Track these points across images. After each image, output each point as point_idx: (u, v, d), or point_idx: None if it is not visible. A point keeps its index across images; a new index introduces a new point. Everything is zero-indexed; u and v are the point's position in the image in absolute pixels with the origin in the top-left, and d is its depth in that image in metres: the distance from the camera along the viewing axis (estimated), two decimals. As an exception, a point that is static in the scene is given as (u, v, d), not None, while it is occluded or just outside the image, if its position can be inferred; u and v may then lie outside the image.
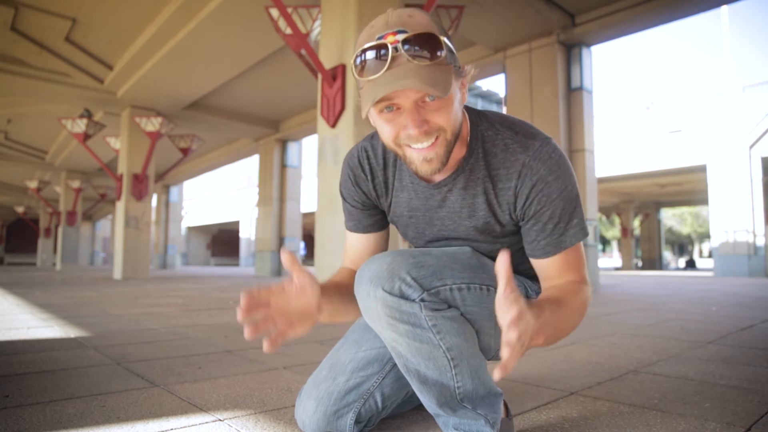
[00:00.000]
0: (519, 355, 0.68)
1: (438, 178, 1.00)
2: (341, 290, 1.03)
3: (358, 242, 1.15)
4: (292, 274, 0.85)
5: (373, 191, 1.09)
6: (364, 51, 0.83)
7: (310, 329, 0.87)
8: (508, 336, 0.66)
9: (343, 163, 1.12)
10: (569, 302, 0.89)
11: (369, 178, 1.08)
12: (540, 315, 0.75)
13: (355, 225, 1.14)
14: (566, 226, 0.94)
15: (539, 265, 0.99)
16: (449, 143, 0.88)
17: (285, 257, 0.82)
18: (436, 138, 0.87)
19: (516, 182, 0.95)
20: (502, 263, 0.69)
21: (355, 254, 1.15)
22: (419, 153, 0.87)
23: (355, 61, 0.84)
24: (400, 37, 0.81)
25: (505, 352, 0.66)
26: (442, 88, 0.81)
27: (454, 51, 0.88)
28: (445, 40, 0.83)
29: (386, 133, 0.89)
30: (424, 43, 0.81)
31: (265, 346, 0.78)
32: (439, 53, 0.82)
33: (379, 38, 0.82)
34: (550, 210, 0.93)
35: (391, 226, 1.18)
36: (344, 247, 1.19)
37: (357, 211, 1.12)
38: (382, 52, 0.81)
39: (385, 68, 0.81)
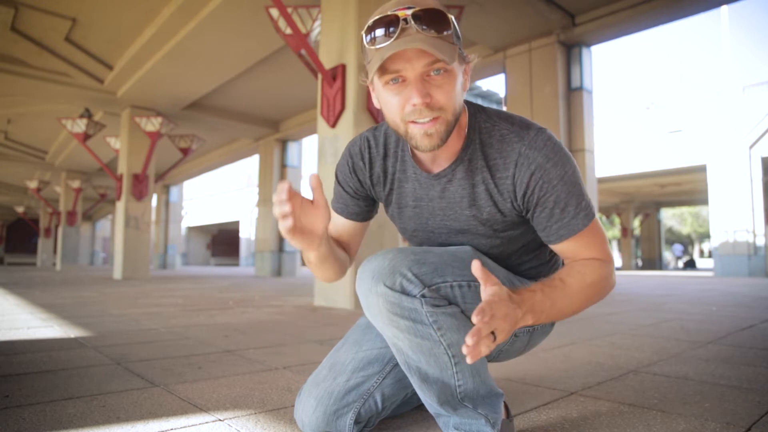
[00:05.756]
0: (487, 338, 0.73)
1: (437, 168, 1.02)
2: (332, 244, 1.08)
3: (340, 224, 1.18)
4: (315, 194, 0.89)
5: (368, 180, 1.12)
6: (375, 22, 0.86)
7: (311, 248, 0.94)
8: (474, 320, 0.72)
9: (345, 149, 1.15)
10: (574, 281, 0.94)
11: (367, 167, 1.11)
12: (523, 302, 0.83)
13: (342, 209, 1.17)
14: (575, 209, 0.96)
15: (558, 248, 1.01)
16: (449, 123, 0.91)
17: (313, 179, 0.86)
18: (437, 117, 0.89)
19: (513, 171, 0.96)
20: (476, 270, 0.78)
21: (334, 233, 1.19)
22: (421, 127, 0.89)
23: (365, 32, 0.87)
24: (410, 11, 0.84)
25: (468, 339, 0.71)
26: (447, 56, 0.84)
27: (460, 37, 0.91)
28: (453, 20, 0.87)
29: (393, 106, 0.90)
30: (433, 18, 0.85)
31: (288, 223, 0.84)
32: (446, 31, 0.86)
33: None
34: (553, 196, 0.95)
35: (391, 225, 1.19)
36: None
37: (348, 197, 1.15)
38: (392, 23, 0.84)
39: (394, 38, 0.84)
